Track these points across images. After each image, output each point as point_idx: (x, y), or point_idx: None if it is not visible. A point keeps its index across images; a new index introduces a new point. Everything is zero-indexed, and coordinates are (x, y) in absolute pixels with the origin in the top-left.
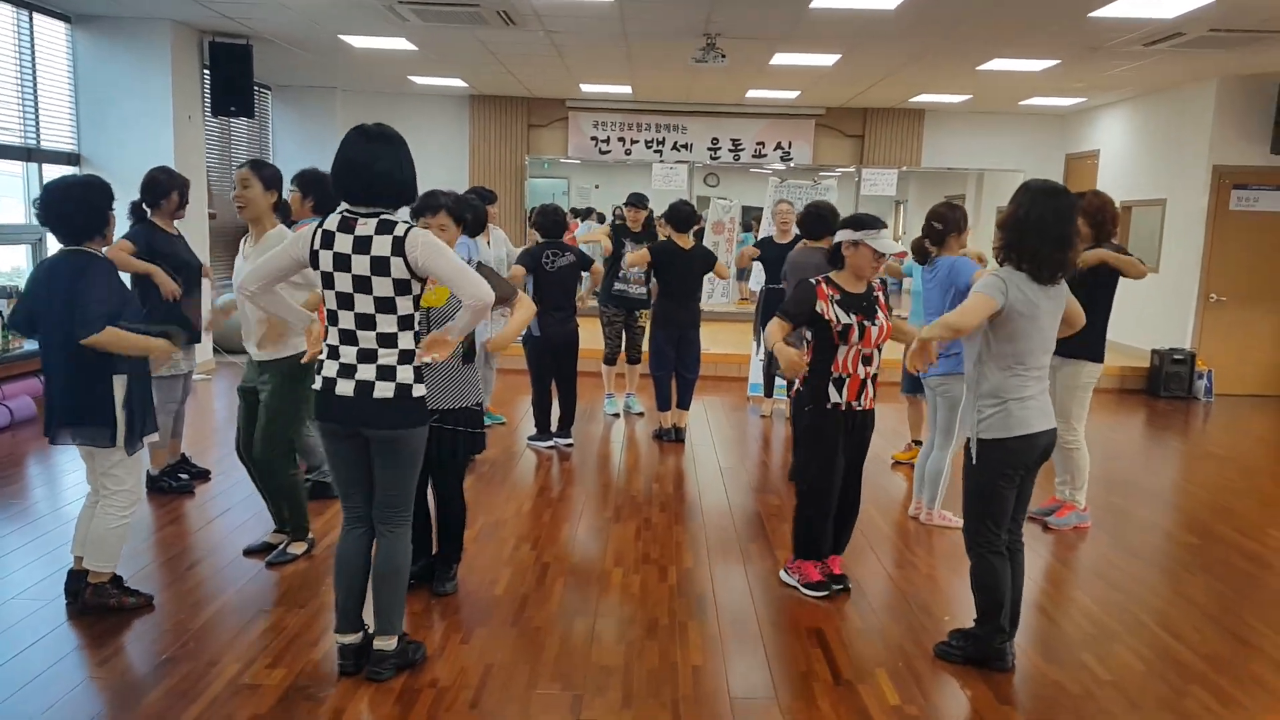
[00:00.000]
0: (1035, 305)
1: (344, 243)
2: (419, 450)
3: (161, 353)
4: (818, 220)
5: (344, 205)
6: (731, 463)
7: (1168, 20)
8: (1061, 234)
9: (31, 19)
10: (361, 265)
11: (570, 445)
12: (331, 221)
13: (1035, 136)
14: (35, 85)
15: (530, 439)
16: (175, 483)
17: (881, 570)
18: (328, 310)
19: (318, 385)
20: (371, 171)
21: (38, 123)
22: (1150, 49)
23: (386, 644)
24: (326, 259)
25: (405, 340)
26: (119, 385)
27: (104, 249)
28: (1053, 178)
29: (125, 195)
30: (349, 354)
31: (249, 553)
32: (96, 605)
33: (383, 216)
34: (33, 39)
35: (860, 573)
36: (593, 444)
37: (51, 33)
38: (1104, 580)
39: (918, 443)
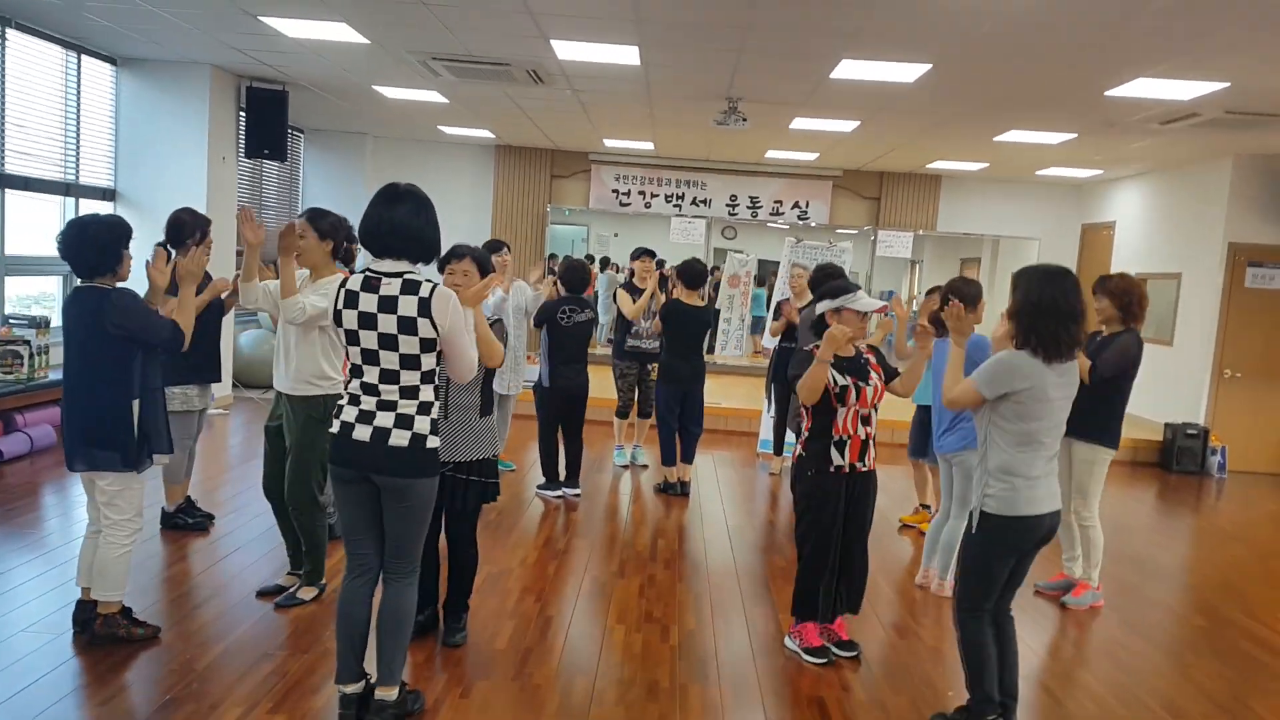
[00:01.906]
0: (1042, 388)
1: (369, 302)
2: (429, 501)
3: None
4: (829, 281)
5: (368, 263)
6: (738, 520)
7: (1183, 102)
8: (1071, 310)
9: (80, 60)
10: (389, 324)
11: (578, 495)
12: (354, 281)
13: (1051, 206)
14: (79, 123)
15: (539, 488)
16: (190, 520)
17: (885, 638)
18: (352, 364)
19: (335, 429)
20: (398, 230)
21: (78, 159)
22: (1166, 127)
23: (387, 694)
24: (351, 318)
25: (426, 393)
26: (135, 410)
27: (118, 284)
28: (1068, 247)
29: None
30: (369, 402)
31: (261, 594)
32: (106, 636)
33: (406, 276)
34: (79, 79)
35: (864, 639)
36: (600, 495)
37: (98, 74)
38: (1110, 660)
39: (925, 506)
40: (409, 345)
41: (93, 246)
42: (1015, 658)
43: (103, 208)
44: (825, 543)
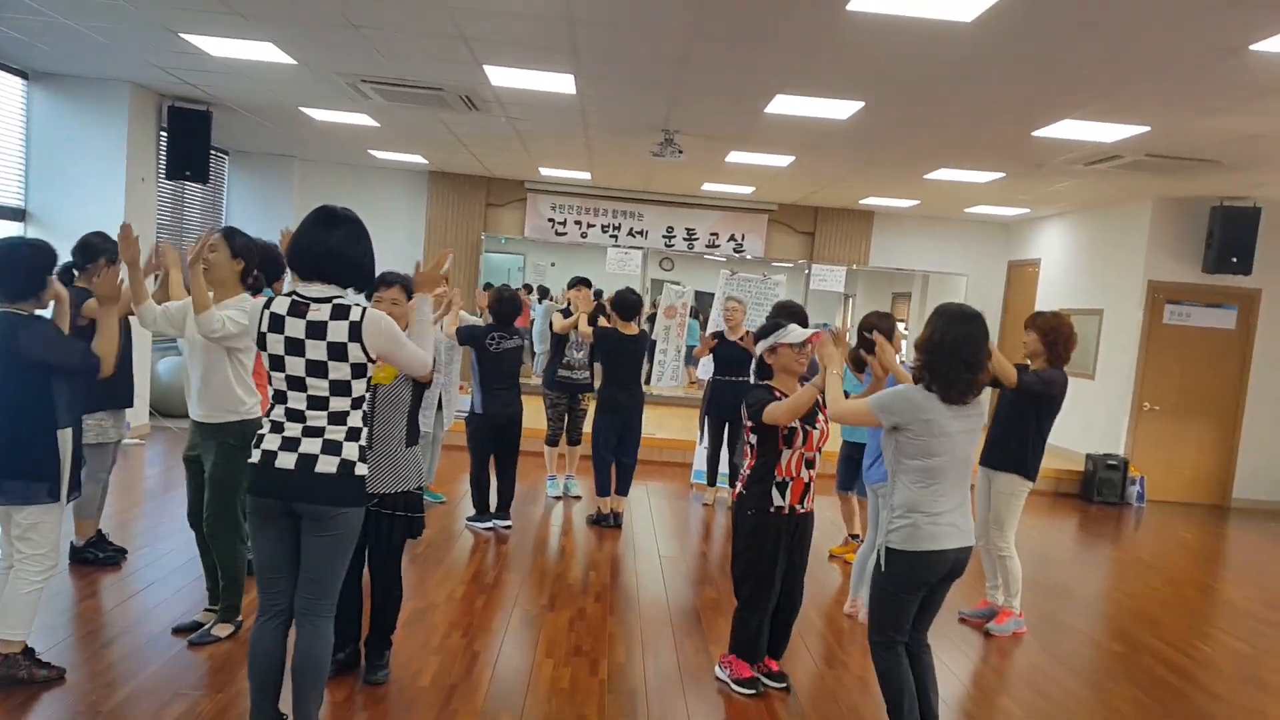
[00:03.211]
0: (939, 425)
1: (296, 327)
2: (353, 533)
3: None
4: (795, 317)
5: (295, 286)
6: (671, 551)
7: (1106, 144)
8: (972, 358)
9: None
10: (318, 350)
11: (509, 527)
12: (280, 305)
13: (979, 243)
14: None
15: (469, 519)
16: (102, 554)
17: (814, 668)
18: (274, 390)
19: (255, 459)
20: (333, 255)
21: None
22: (1090, 168)
23: None
24: (276, 343)
25: (355, 418)
26: (64, 440)
27: (38, 310)
28: (995, 283)
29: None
30: (294, 429)
31: (177, 631)
32: (6, 677)
33: (336, 301)
34: None
35: (792, 669)
36: (531, 527)
37: (8, 88)
38: (1031, 687)
39: (854, 537)
40: (339, 371)
41: (18, 271)
42: (933, 686)
43: (12, 228)
44: (765, 583)
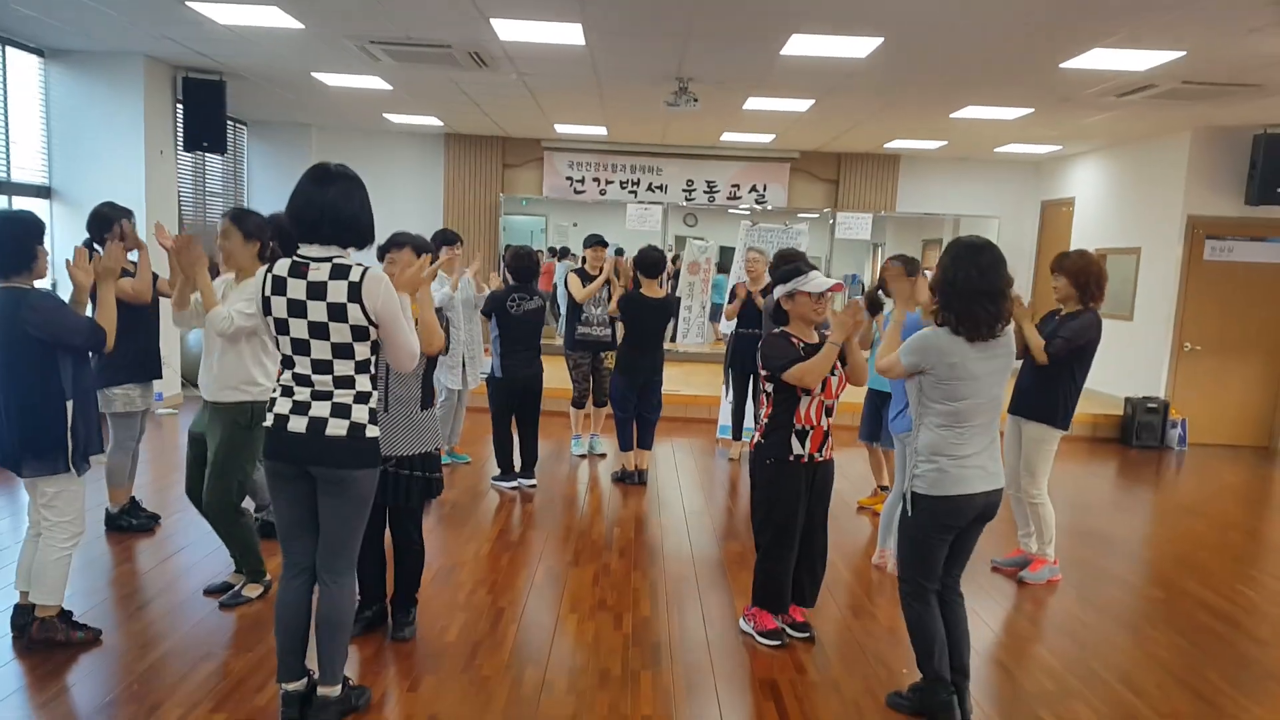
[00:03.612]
0: (965, 367)
1: (297, 288)
2: (368, 494)
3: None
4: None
5: (298, 249)
6: (696, 506)
7: (1139, 72)
8: (988, 289)
9: (4, 53)
10: (318, 312)
11: (533, 486)
12: (281, 267)
13: (1011, 183)
14: (7, 119)
15: (494, 479)
16: (135, 521)
17: (841, 619)
18: (283, 355)
19: (269, 423)
20: (326, 211)
21: (8, 156)
22: (1123, 100)
23: (330, 691)
24: (279, 305)
25: (362, 382)
26: (70, 411)
27: (35, 282)
28: (1029, 224)
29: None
30: (303, 393)
31: (209, 592)
32: (43, 640)
33: (336, 261)
34: (5, 73)
35: (819, 622)
36: (557, 485)
37: (25, 67)
38: (1067, 635)
39: (884, 488)
40: (340, 333)
41: (4, 246)
42: (965, 635)
43: (38, 205)
44: (785, 532)
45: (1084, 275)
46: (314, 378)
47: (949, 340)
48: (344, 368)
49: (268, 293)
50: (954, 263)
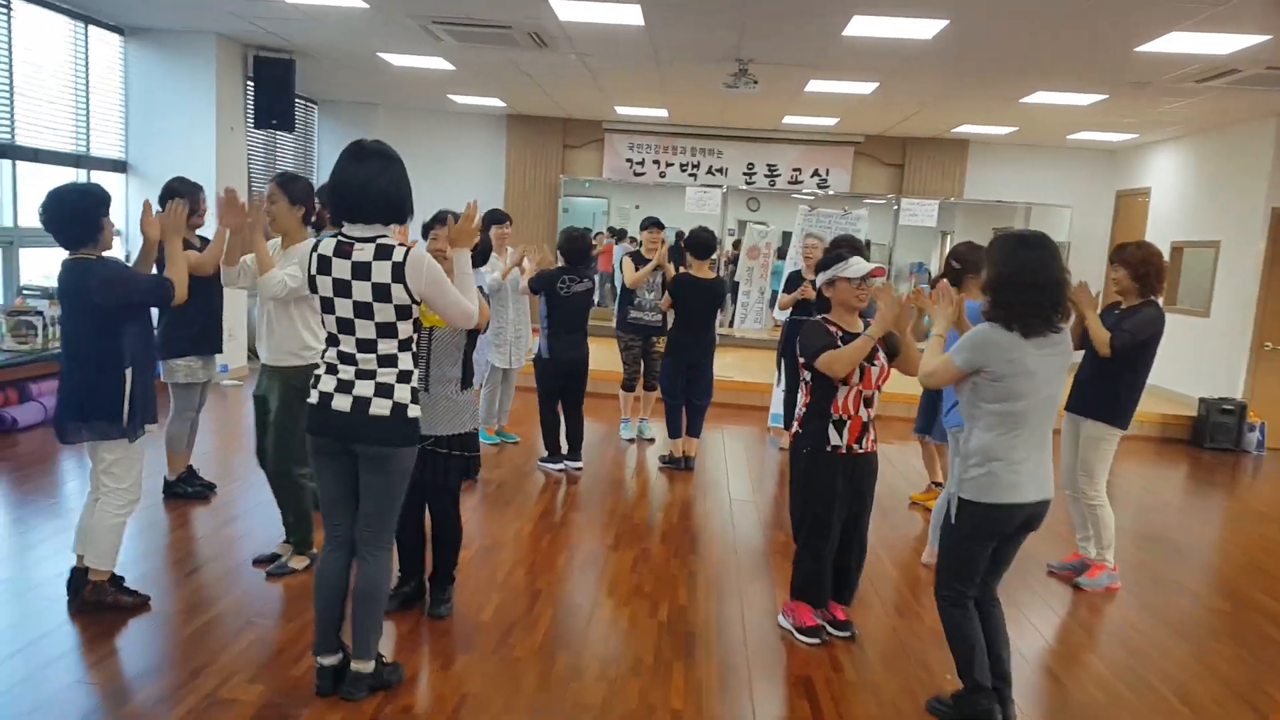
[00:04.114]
0: (1023, 364)
1: (342, 268)
2: (406, 471)
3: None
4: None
5: (341, 227)
6: (742, 495)
7: (1221, 57)
8: (1042, 281)
9: (87, 30)
10: (363, 292)
11: (579, 468)
12: (326, 246)
13: (1084, 171)
14: (88, 94)
15: (540, 460)
16: (191, 489)
17: (884, 618)
18: (328, 333)
19: (314, 399)
20: (363, 189)
21: (88, 130)
22: (1203, 85)
23: (363, 666)
24: (325, 284)
25: (405, 361)
26: (128, 379)
27: (103, 253)
28: (1102, 214)
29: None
30: (348, 372)
31: (258, 562)
32: (95, 603)
33: (380, 241)
34: (88, 50)
35: (861, 619)
36: (603, 468)
37: (106, 44)
38: (1122, 644)
39: (937, 484)
40: (384, 313)
41: (70, 217)
42: (1005, 642)
43: (114, 179)
44: (822, 525)
45: (1145, 266)
46: (358, 356)
47: (1004, 336)
48: (387, 346)
49: (313, 271)
50: (1003, 257)
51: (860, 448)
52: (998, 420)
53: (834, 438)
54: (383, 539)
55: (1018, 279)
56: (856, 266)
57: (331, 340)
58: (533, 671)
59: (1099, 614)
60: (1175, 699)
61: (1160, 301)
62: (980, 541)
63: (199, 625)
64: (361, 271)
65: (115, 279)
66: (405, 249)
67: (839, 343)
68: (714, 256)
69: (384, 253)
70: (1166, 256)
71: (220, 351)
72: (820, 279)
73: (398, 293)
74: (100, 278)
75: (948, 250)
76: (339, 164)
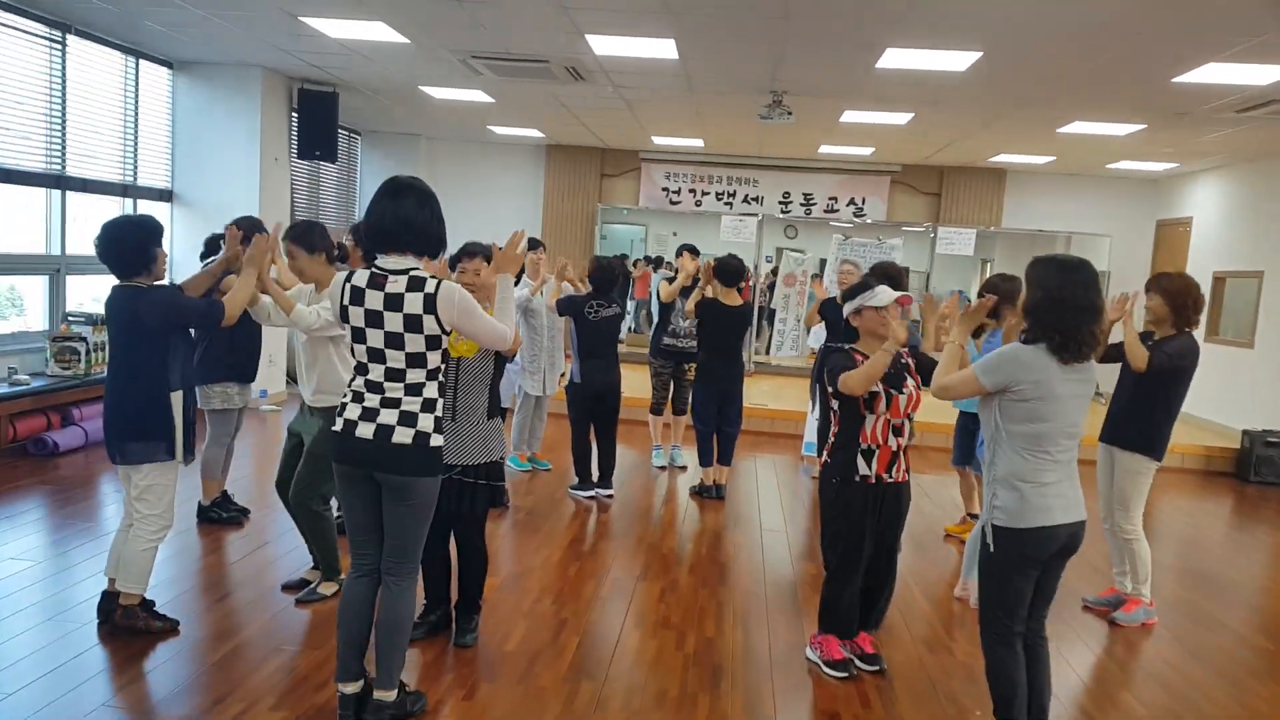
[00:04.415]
0: (1049, 386)
1: (375, 299)
2: (431, 501)
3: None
4: (890, 280)
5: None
6: (774, 525)
7: (1260, 87)
8: (1088, 304)
9: (138, 65)
10: (394, 323)
11: (610, 496)
12: (360, 278)
13: (1124, 201)
14: (137, 126)
15: (571, 488)
16: (225, 514)
17: (914, 653)
18: (357, 362)
19: (338, 427)
20: (402, 223)
21: (136, 161)
22: (1243, 115)
23: (385, 695)
24: (357, 315)
25: (430, 390)
26: (175, 401)
27: (155, 282)
28: (1143, 244)
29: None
30: (373, 400)
31: (286, 588)
32: (126, 627)
33: (413, 273)
34: (138, 83)
35: (891, 653)
36: (633, 497)
37: (155, 78)
38: (1158, 682)
39: (973, 516)
40: (414, 344)
41: (125, 247)
42: (1048, 682)
43: (160, 208)
44: (852, 555)
45: (1183, 297)
46: (386, 384)
47: (1033, 356)
48: (415, 375)
49: (346, 302)
50: (1043, 279)
51: (890, 477)
52: (1025, 443)
53: (863, 467)
54: (407, 567)
55: (1059, 300)
56: (882, 295)
57: (360, 369)
58: (557, 701)
59: (1135, 651)
60: None
61: (1194, 334)
62: (1019, 570)
63: (227, 651)
64: (394, 303)
65: (168, 302)
66: (437, 281)
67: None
68: (741, 284)
69: (416, 285)
70: (1208, 286)
71: (253, 380)
72: (847, 308)
73: (429, 324)
74: (153, 301)
75: (985, 283)
76: (376, 199)
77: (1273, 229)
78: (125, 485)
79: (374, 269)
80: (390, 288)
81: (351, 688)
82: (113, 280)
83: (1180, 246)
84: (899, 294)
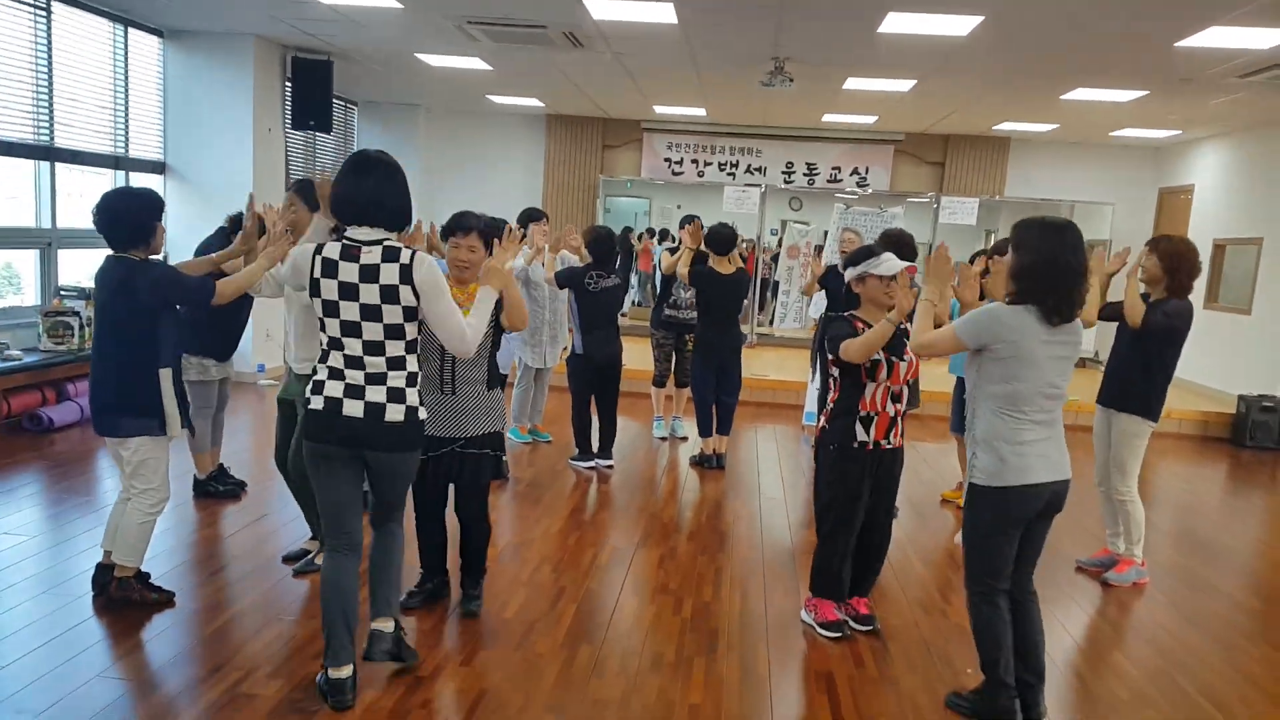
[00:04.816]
0: (1027, 347)
1: (349, 271)
2: (415, 466)
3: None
4: (899, 248)
5: (346, 232)
6: (773, 494)
7: (1263, 51)
8: (1080, 267)
9: (126, 33)
10: (371, 294)
11: (611, 466)
12: (332, 250)
13: (1127, 169)
14: (127, 96)
15: (571, 459)
16: (222, 487)
17: (909, 614)
18: (329, 337)
19: (318, 405)
20: (369, 199)
21: (127, 132)
22: (1246, 80)
23: (384, 625)
24: (330, 288)
25: (411, 363)
26: (165, 378)
27: (150, 256)
28: (1145, 212)
29: (203, 201)
30: (356, 376)
31: (287, 559)
32: (120, 598)
33: (386, 244)
34: (127, 52)
35: (885, 615)
36: (634, 467)
37: (145, 46)
38: (1150, 644)
39: None
40: (392, 315)
41: (125, 220)
42: (1039, 638)
43: (152, 180)
44: (847, 520)
45: (1179, 260)
46: (366, 359)
47: (1013, 315)
48: (395, 348)
49: (317, 275)
50: (1045, 242)
51: (888, 443)
52: (1003, 403)
53: (861, 434)
54: (397, 514)
55: (1050, 263)
56: (887, 264)
57: (334, 344)
58: (553, 667)
59: (1128, 611)
60: (1203, 699)
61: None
62: (1000, 529)
63: (223, 621)
64: (369, 274)
65: (165, 279)
66: (411, 251)
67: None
68: (733, 252)
69: (391, 255)
70: (1208, 254)
71: (227, 360)
72: (850, 274)
73: (405, 294)
74: (150, 278)
75: (992, 247)
76: (343, 174)
77: (1272, 197)
78: (116, 460)
79: (345, 240)
80: (365, 259)
81: (344, 672)
82: (103, 254)
83: (1182, 214)
84: (905, 264)
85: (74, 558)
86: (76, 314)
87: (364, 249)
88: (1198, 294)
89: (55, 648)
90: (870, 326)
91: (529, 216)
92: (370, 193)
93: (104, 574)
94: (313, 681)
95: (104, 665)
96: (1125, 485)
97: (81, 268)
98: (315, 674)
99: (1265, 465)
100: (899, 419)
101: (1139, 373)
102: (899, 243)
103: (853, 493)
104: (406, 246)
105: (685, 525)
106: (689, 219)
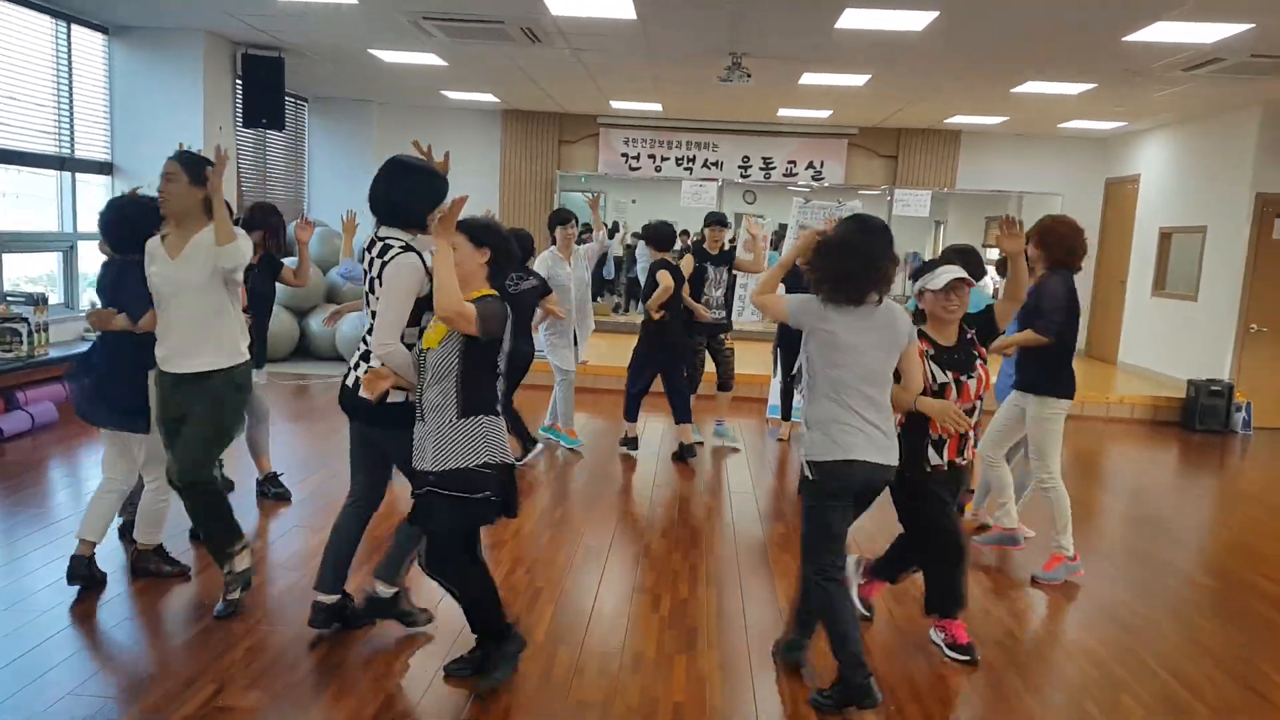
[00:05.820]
0: (838, 335)
1: (373, 265)
2: (384, 444)
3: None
4: (960, 259)
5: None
6: (743, 487)
7: (1206, 45)
8: (859, 256)
9: (70, 30)
10: (373, 284)
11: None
12: (369, 244)
13: (1075, 160)
14: (71, 95)
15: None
16: (274, 489)
17: (880, 606)
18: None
19: (349, 381)
20: (376, 197)
21: (72, 132)
22: (1189, 74)
23: (385, 590)
24: (371, 280)
25: (369, 341)
26: (152, 378)
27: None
28: (1092, 202)
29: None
30: (354, 355)
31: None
32: (140, 569)
33: (386, 241)
34: (70, 50)
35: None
36: (601, 464)
37: (89, 44)
38: (1114, 623)
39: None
40: (374, 303)
41: (124, 225)
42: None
43: (100, 182)
44: (940, 533)
45: (1048, 235)
46: (366, 338)
47: (819, 305)
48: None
49: (365, 266)
50: (843, 230)
51: (962, 459)
52: (827, 387)
53: (933, 457)
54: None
55: (839, 250)
56: (939, 278)
57: (368, 330)
58: (534, 671)
59: (1091, 595)
60: (1170, 677)
61: (1069, 273)
62: (829, 503)
63: (196, 632)
64: (373, 267)
65: (120, 283)
66: (396, 252)
67: (928, 358)
68: (677, 247)
69: (384, 251)
70: (1155, 242)
71: (261, 367)
72: (913, 289)
73: (378, 286)
74: (114, 276)
75: (941, 242)
76: (375, 178)
77: (1216, 185)
78: (109, 448)
79: (374, 236)
80: (375, 252)
81: (329, 598)
82: (51, 258)
83: (1129, 204)
84: (954, 274)
85: (31, 574)
86: (25, 320)
87: (378, 244)
88: (1145, 282)
89: (22, 666)
90: (939, 345)
91: (559, 219)
92: (381, 196)
93: (79, 565)
94: (292, 693)
95: (74, 683)
96: (1046, 471)
97: (26, 271)
98: (293, 684)
99: (1213, 447)
100: (970, 434)
101: (1041, 353)
102: (963, 255)
103: (940, 509)
104: (404, 247)
105: (657, 522)
106: (714, 219)
